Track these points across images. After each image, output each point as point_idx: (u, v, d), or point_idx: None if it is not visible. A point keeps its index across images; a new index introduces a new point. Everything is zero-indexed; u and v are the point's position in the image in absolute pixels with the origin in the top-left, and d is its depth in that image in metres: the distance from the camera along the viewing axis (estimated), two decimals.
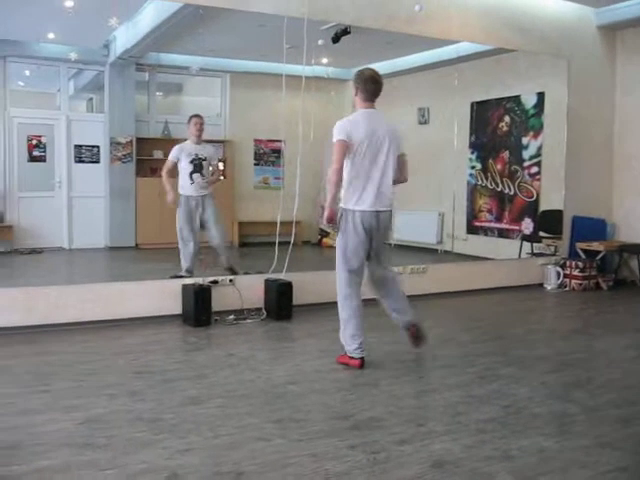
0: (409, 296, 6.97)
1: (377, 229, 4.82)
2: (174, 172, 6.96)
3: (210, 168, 7.08)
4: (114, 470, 3.05)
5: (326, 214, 4.77)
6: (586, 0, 8.45)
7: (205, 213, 6.96)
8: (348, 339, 4.78)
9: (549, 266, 8.46)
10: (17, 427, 3.53)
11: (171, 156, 6.97)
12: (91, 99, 10.14)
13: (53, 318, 5.71)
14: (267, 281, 6.46)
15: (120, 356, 4.97)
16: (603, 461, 3.24)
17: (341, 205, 4.78)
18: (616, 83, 9.14)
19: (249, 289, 6.43)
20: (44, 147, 9.08)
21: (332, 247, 10.12)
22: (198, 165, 6.92)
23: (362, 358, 4.75)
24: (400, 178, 4.94)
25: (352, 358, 4.76)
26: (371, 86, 4.77)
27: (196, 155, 6.95)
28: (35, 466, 3.08)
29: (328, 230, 10.23)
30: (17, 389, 4.16)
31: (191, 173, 6.92)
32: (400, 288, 5.06)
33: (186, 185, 6.93)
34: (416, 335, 4.99)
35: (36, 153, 9.02)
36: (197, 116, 7.07)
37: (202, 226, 6.96)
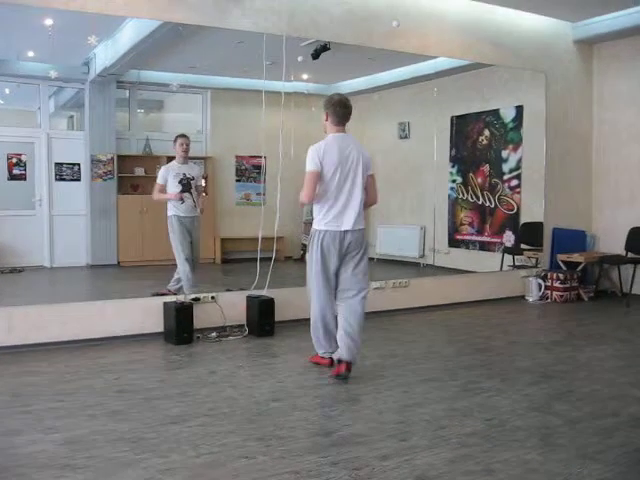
0: (392, 310, 7.00)
1: (347, 248, 4.91)
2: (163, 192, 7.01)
3: (197, 188, 7.10)
4: None
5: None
6: (563, 15, 8.56)
7: (193, 233, 6.98)
8: (317, 343, 5.16)
9: (530, 278, 8.51)
10: None
11: (159, 179, 7.00)
12: (72, 117, 10.09)
13: (33, 338, 5.66)
14: (249, 298, 6.44)
15: (101, 375, 4.93)
16: (585, 473, 3.25)
17: (313, 226, 4.97)
18: (593, 96, 9.25)
19: (231, 306, 6.42)
20: (24, 165, 9.01)
21: None
22: (187, 185, 6.93)
23: (331, 358, 5.06)
24: (369, 200, 5.06)
25: (322, 357, 5.15)
26: (341, 110, 4.90)
27: (184, 175, 6.96)
28: None
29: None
30: None
31: (180, 192, 6.92)
32: (360, 319, 4.97)
33: (177, 205, 6.92)
34: (342, 375, 4.83)
35: (16, 171, 8.95)
36: (183, 136, 7.09)
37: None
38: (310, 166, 4.82)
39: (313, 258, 4.95)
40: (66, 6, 5.79)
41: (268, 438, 3.67)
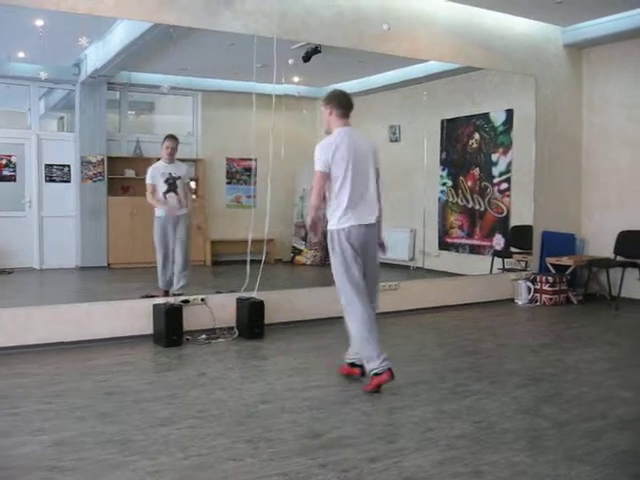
0: (382, 313, 7.03)
1: (367, 243, 4.76)
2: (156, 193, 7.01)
3: (185, 187, 7.09)
4: None
5: (315, 226, 4.68)
6: (552, 19, 8.61)
7: (176, 232, 6.95)
8: (369, 358, 4.62)
9: (520, 281, 8.54)
10: None
11: (148, 179, 7.01)
12: (62, 118, 10.07)
13: (22, 339, 5.64)
14: (239, 300, 6.44)
15: (90, 377, 4.92)
16: (573, 475, 3.27)
17: (329, 226, 4.76)
18: (583, 100, 9.30)
19: (221, 308, 6.42)
20: (14, 166, 8.98)
21: (304, 265, 10.17)
22: (172, 184, 6.94)
23: (389, 369, 4.57)
24: (380, 193, 4.90)
25: (378, 374, 4.57)
26: (345, 100, 4.84)
27: (170, 174, 6.97)
28: None
29: (301, 247, 10.26)
30: None
31: (165, 193, 6.94)
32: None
33: (161, 206, 6.95)
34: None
35: (6, 172, 8.92)
36: (170, 138, 7.09)
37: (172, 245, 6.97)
38: (319, 166, 4.66)
39: (343, 260, 4.70)
40: (57, 7, 5.78)
41: (257, 440, 3.67)
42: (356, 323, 4.65)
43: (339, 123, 4.80)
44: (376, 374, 4.57)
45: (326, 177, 4.66)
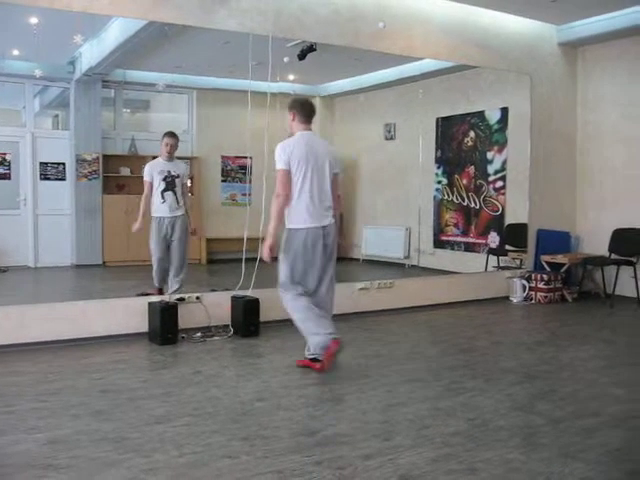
0: (377, 311, 7.06)
1: (324, 244, 5.02)
2: (152, 193, 6.92)
3: (183, 186, 7.02)
4: None
5: (269, 244, 4.92)
6: (547, 18, 8.62)
7: (174, 234, 6.90)
8: (311, 341, 4.98)
9: (515, 279, 8.56)
10: None
11: (146, 176, 6.90)
12: (57, 116, 10.05)
13: (16, 338, 5.64)
14: (234, 298, 6.44)
15: (85, 375, 4.92)
16: (567, 472, 3.28)
17: (287, 225, 5.01)
18: (577, 98, 9.31)
19: (216, 306, 6.41)
20: (9, 164, 8.97)
21: None
22: (171, 183, 6.86)
23: (337, 340, 4.84)
24: (334, 195, 5.16)
25: (313, 360, 5.02)
26: (308, 107, 5.15)
27: (169, 172, 6.89)
28: None
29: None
30: None
31: (163, 191, 6.85)
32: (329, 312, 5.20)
33: (158, 204, 6.86)
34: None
35: (0, 170, 8.90)
36: (170, 135, 6.98)
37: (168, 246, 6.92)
38: (280, 164, 4.94)
39: (293, 258, 5.00)
40: (51, 4, 5.77)
41: (252, 438, 3.68)
42: (297, 314, 5.01)
43: (300, 128, 5.10)
44: (323, 347, 4.87)
45: (288, 174, 4.93)
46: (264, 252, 4.95)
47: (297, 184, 4.95)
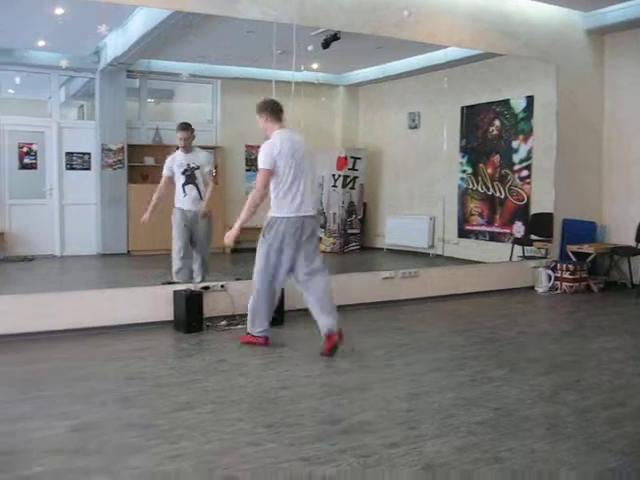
0: (401, 300, 7.04)
1: (305, 234, 5.29)
2: (170, 186, 6.84)
3: (205, 176, 6.85)
4: (106, 476, 3.06)
5: (234, 234, 5.33)
6: (574, 4, 8.51)
7: (197, 225, 6.85)
8: (256, 322, 5.46)
9: (540, 269, 8.50)
10: (9, 434, 3.53)
11: (165, 170, 6.83)
12: (82, 106, 10.14)
13: (45, 325, 5.70)
14: None
15: (111, 363, 4.97)
16: (593, 462, 3.26)
17: (271, 214, 5.30)
18: (604, 86, 9.19)
19: (241, 295, 6.43)
20: (35, 154, 9.07)
21: (324, 252, 10.17)
22: (190, 176, 6.74)
23: (267, 337, 5.48)
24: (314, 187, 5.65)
25: (256, 337, 5.46)
26: (276, 107, 5.42)
27: (187, 165, 6.74)
28: (27, 473, 3.08)
29: (320, 235, 10.27)
30: (9, 396, 4.17)
31: (184, 185, 6.77)
32: (327, 289, 5.42)
33: (180, 197, 6.80)
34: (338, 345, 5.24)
35: (27, 160, 9.00)
36: (182, 129, 6.79)
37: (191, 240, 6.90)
38: (265, 164, 5.20)
39: (271, 244, 5.29)
40: None
41: (277, 425, 3.70)
42: (260, 295, 5.41)
43: (277, 127, 5.35)
44: (255, 336, 5.47)
45: (270, 174, 5.22)
46: (228, 238, 5.38)
47: (283, 177, 5.22)
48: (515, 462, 3.24)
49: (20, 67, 8.99)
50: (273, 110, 5.37)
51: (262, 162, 5.22)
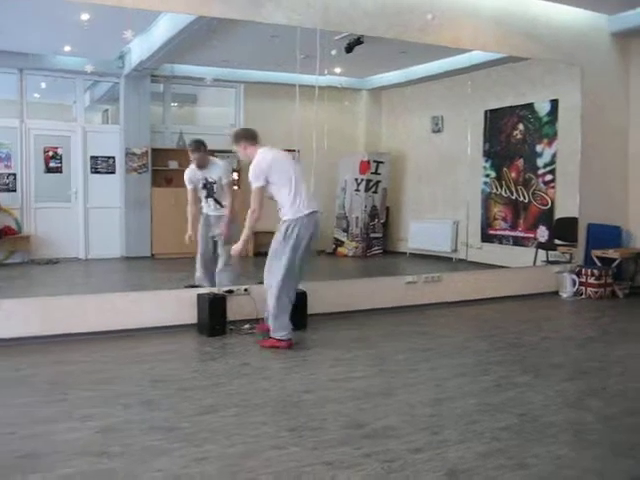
0: (424, 305, 7.04)
1: (317, 229, 5.68)
2: (196, 197, 6.83)
3: (224, 187, 6.76)
4: (131, 478, 3.08)
5: (240, 247, 5.68)
6: (599, 7, 8.44)
7: (217, 229, 6.82)
8: (280, 328, 5.57)
9: (564, 274, 8.43)
10: (35, 436, 3.57)
11: (187, 183, 6.80)
12: (106, 110, 10.21)
13: (70, 328, 5.75)
14: None
15: (136, 365, 5.00)
16: (618, 469, 3.24)
17: (287, 217, 5.55)
18: (630, 89, 9.11)
19: (264, 299, 6.44)
20: (60, 158, 9.14)
21: (346, 256, 10.17)
22: (210, 190, 6.73)
23: (290, 339, 5.62)
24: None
25: (279, 340, 5.56)
26: (252, 133, 5.74)
27: (205, 179, 6.72)
28: (52, 475, 3.11)
29: (343, 239, 10.26)
30: (34, 398, 4.21)
31: (206, 197, 6.77)
32: None
33: (204, 205, 6.82)
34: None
35: (52, 164, 9.08)
36: (193, 150, 6.72)
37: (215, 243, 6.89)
38: (257, 182, 5.48)
39: (293, 244, 5.51)
40: (103, 1, 5.86)
41: (300, 429, 3.70)
42: (285, 300, 5.59)
43: (256, 148, 5.63)
44: (279, 339, 5.56)
45: (263, 190, 5.53)
46: (235, 251, 5.73)
47: (290, 182, 5.53)
48: (541, 469, 3.22)
49: (46, 72, 9.08)
50: (249, 136, 5.68)
51: (254, 180, 5.48)
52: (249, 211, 5.59)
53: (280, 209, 5.66)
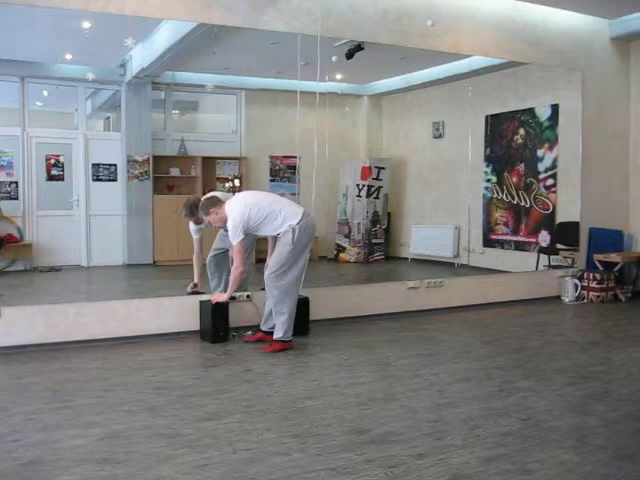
0: (427, 310, 7.04)
1: (314, 230, 5.94)
2: (202, 247, 6.68)
3: None
4: None
5: (224, 298, 5.91)
6: (599, 12, 8.46)
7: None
8: (290, 329, 5.74)
9: (567, 278, 8.43)
10: (38, 443, 3.57)
11: (193, 234, 6.65)
12: (108, 118, 10.23)
13: (72, 335, 5.76)
14: None
15: (139, 372, 5.00)
16: (623, 474, 3.23)
17: (290, 224, 5.66)
18: (631, 94, 9.12)
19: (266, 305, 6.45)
20: (62, 166, 9.16)
21: (348, 262, 10.18)
22: None
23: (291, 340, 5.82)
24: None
25: (287, 342, 5.73)
26: (214, 198, 5.89)
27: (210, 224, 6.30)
28: None
29: (344, 245, 10.26)
30: (38, 405, 4.21)
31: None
32: None
33: None
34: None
35: (54, 172, 9.10)
36: (185, 215, 6.48)
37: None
38: (240, 235, 5.58)
39: (300, 250, 5.73)
40: (104, 9, 5.87)
41: (304, 435, 3.70)
42: (293, 306, 5.81)
43: (223, 207, 5.71)
44: (289, 341, 5.75)
45: (245, 242, 5.70)
46: (216, 300, 5.93)
47: (276, 202, 5.82)
48: (544, 474, 3.21)
49: (48, 80, 9.11)
50: (215, 202, 5.77)
51: (237, 235, 5.57)
52: (232, 268, 5.71)
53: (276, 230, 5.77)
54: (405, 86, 9.95)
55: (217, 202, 5.79)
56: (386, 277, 9.73)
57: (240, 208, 5.63)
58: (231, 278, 5.76)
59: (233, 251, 5.70)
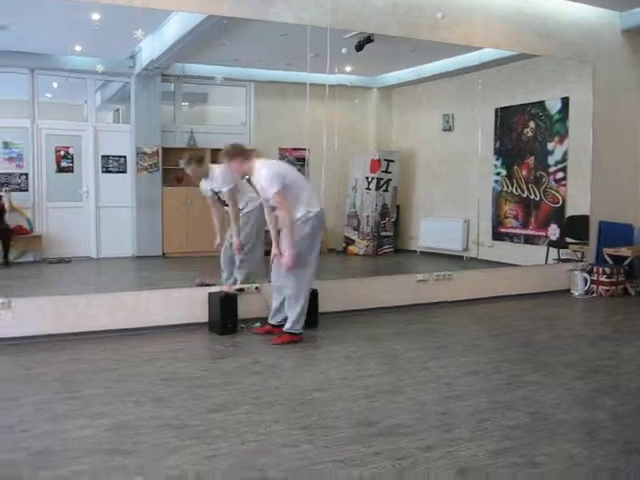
0: (435, 303, 7.03)
1: (324, 224, 5.93)
2: (218, 205, 6.69)
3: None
4: (142, 476, 3.09)
5: (292, 260, 5.47)
6: (610, 4, 8.40)
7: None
8: (301, 321, 5.73)
9: (576, 272, 8.39)
10: (46, 433, 3.59)
11: (203, 192, 6.72)
12: (117, 110, 10.24)
13: (82, 326, 5.78)
14: None
15: (147, 363, 5.02)
16: (632, 468, 3.22)
17: (309, 209, 5.61)
18: None
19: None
20: (72, 158, 9.18)
21: (357, 255, 10.17)
22: (219, 198, 6.59)
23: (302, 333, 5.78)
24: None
25: (297, 334, 5.70)
26: (245, 149, 5.71)
27: (212, 190, 6.59)
28: (64, 472, 3.12)
29: (353, 237, 10.25)
30: (47, 396, 4.23)
31: (223, 205, 6.64)
32: None
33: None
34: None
35: (64, 164, 9.12)
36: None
37: None
38: (277, 186, 5.40)
39: (315, 241, 5.70)
40: (114, 0, 5.88)
41: (312, 427, 3.70)
42: (306, 298, 5.78)
43: (252, 162, 5.58)
44: (299, 334, 5.72)
45: (286, 192, 5.46)
46: (291, 262, 5.49)
47: (302, 183, 5.74)
48: (552, 467, 3.21)
49: (57, 72, 9.12)
50: (245, 153, 5.63)
51: (273, 184, 5.39)
52: (286, 219, 5.42)
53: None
54: (415, 78, 9.92)
55: (246, 153, 5.67)
56: (395, 270, 9.71)
57: (276, 164, 5.75)
58: (288, 226, 5.44)
59: (276, 204, 5.48)
